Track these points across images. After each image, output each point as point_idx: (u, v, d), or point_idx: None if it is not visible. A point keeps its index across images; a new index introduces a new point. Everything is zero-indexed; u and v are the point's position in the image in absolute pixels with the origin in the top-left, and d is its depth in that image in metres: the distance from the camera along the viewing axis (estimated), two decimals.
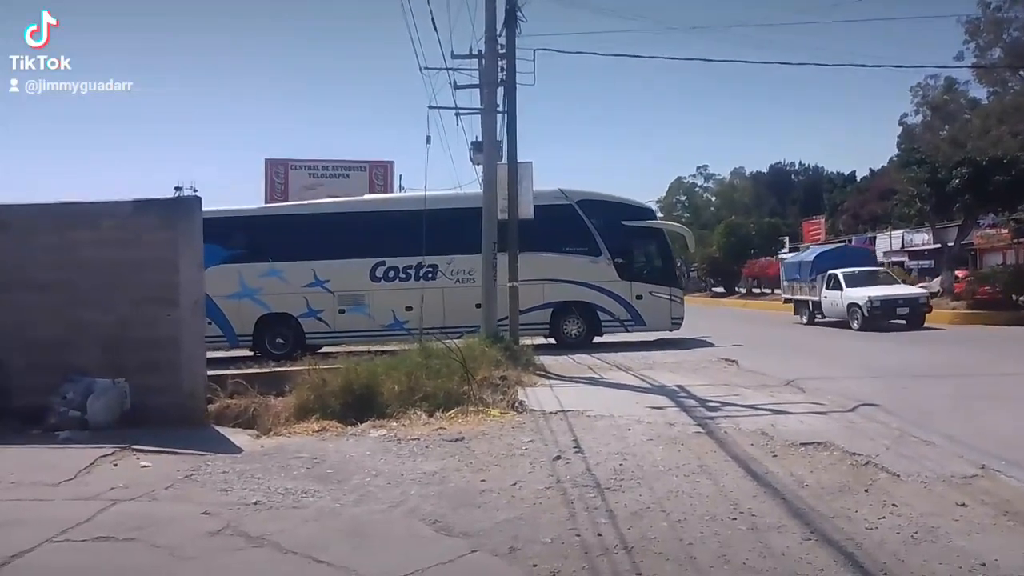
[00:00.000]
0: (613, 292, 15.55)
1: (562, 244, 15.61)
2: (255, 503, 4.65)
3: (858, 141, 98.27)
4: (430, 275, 15.37)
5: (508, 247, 11.93)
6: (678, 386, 8.83)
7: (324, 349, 15.15)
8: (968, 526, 3.92)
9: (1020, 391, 8.44)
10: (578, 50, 19.63)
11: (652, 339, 15.81)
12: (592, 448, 5.81)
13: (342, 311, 15.54)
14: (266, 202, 24.51)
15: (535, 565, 3.56)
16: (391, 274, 15.58)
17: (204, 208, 7.77)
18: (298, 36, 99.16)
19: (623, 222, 15.81)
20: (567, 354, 13.18)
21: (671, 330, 15.95)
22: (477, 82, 12.47)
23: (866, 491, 4.58)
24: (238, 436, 6.83)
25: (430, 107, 13.59)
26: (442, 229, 13.62)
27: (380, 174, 28.12)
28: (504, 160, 12.10)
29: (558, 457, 5.59)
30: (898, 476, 4.84)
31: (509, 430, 6.66)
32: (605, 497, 4.57)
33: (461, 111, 13.45)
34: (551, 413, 7.31)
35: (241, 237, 15.46)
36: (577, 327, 15.67)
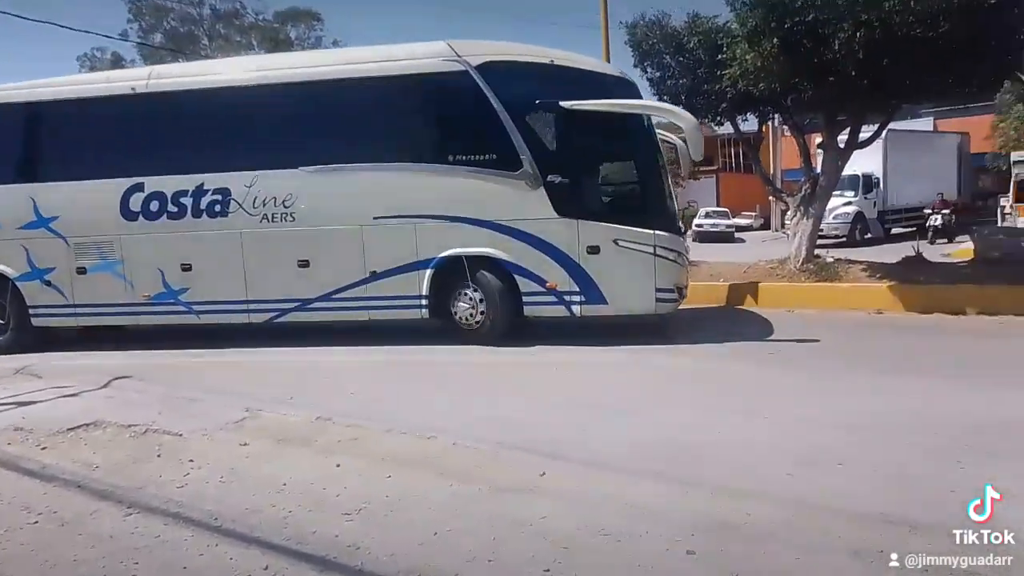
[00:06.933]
0: (543, 240, 8.21)
1: (449, 149, 8.37)
2: None
3: None
4: (218, 207, 8.82)
5: None
6: None
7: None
8: (259, 459, 4.61)
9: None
10: None
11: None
12: None
13: (81, 270, 9.13)
14: None
15: None
16: (155, 206, 8.91)
17: None
18: None
19: (564, 104, 8.08)
20: None
21: (655, 311, 8.34)
22: None
23: (159, 456, 4.77)
24: None
25: None
26: (229, 123, 8.72)
27: None
28: None
29: None
30: (181, 435, 5.17)
31: None
32: None
33: None
34: None
35: None
36: (477, 304, 8.43)
